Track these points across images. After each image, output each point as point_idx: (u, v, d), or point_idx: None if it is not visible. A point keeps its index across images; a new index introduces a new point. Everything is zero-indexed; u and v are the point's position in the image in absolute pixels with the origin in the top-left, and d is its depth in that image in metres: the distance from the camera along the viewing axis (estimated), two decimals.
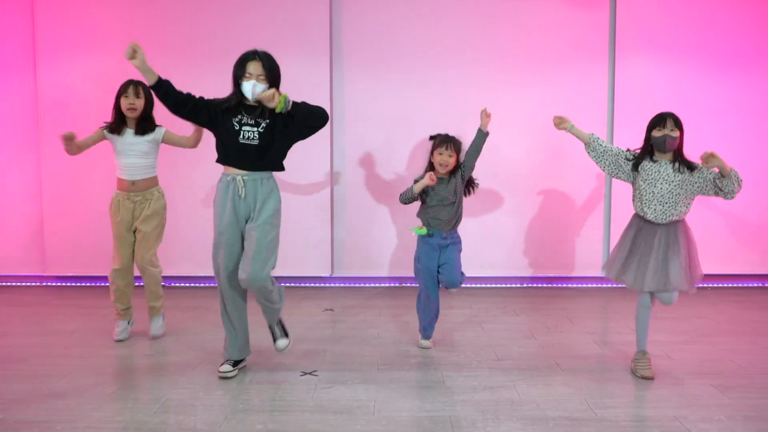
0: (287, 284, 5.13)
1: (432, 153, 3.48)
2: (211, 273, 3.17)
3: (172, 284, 5.11)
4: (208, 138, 3.31)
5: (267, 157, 3.01)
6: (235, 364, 3.14)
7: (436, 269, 3.49)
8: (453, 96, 4.99)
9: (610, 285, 5.14)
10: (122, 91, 3.52)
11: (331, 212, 5.10)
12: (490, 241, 5.07)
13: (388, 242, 5.12)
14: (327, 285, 5.21)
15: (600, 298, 4.81)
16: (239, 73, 2.96)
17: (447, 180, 3.47)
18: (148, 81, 2.88)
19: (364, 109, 5.06)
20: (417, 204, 3.57)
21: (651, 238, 3.06)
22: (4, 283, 5.22)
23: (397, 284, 5.20)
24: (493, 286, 5.17)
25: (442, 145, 3.43)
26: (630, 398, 2.86)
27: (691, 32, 4.97)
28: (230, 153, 3.00)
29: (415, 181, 3.48)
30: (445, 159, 3.42)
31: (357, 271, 5.19)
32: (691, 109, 4.80)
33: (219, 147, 3.05)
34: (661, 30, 4.97)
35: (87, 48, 4.96)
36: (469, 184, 3.56)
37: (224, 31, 4.91)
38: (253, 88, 2.93)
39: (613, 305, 4.57)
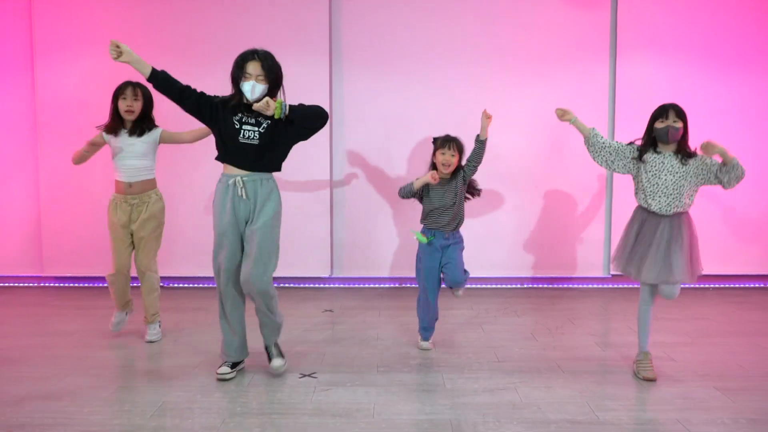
0: (286, 285, 5.11)
1: (434, 154, 3.48)
2: (211, 274, 3.15)
3: (172, 285, 5.09)
4: (209, 138, 3.28)
5: (266, 157, 2.98)
6: (234, 366, 3.12)
7: (438, 269, 3.48)
8: (453, 96, 4.97)
9: (611, 286, 5.12)
10: (120, 93, 3.48)
11: (331, 212, 5.08)
12: (491, 242, 5.05)
13: (387, 243, 5.10)
14: (326, 285, 5.19)
15: (601, 299, 4.78)
16: (238, 73, 2.91)
17: (448, 181, 3.46)
18: (142, 74, 2.83)
19: (364, 109, 5.04)
20: (419, 208, 3.55)
21: (654, 229, 3.04)
22: (2, 284, 5.20)
23: (396, 285, 5.18)
24: (494, 286, 5.16)
25: (444, 145, 3.43)
26: (632, 400, 2.84)
27: (692, 32, 4.96)
28: (229, 151, 2.96)
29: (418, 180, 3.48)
30: (448, 159, 3.41)
31: (356, 272, 5.17)
32: (691, 108, 4.70)
33: (219, 144, 3.02)
34: (662, 30, 4.95)
35: (85, 48, 4.94)
36: (472, 189, 3.54)
37: (224, 31, 4.90)
38: (252, 88, 2.88)
39: (614, 306, 4.54)
